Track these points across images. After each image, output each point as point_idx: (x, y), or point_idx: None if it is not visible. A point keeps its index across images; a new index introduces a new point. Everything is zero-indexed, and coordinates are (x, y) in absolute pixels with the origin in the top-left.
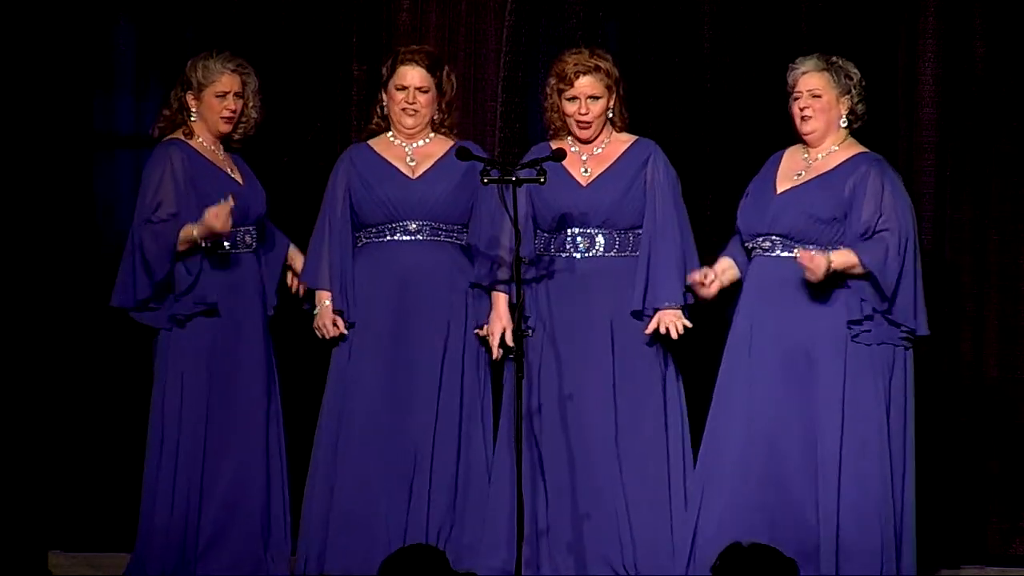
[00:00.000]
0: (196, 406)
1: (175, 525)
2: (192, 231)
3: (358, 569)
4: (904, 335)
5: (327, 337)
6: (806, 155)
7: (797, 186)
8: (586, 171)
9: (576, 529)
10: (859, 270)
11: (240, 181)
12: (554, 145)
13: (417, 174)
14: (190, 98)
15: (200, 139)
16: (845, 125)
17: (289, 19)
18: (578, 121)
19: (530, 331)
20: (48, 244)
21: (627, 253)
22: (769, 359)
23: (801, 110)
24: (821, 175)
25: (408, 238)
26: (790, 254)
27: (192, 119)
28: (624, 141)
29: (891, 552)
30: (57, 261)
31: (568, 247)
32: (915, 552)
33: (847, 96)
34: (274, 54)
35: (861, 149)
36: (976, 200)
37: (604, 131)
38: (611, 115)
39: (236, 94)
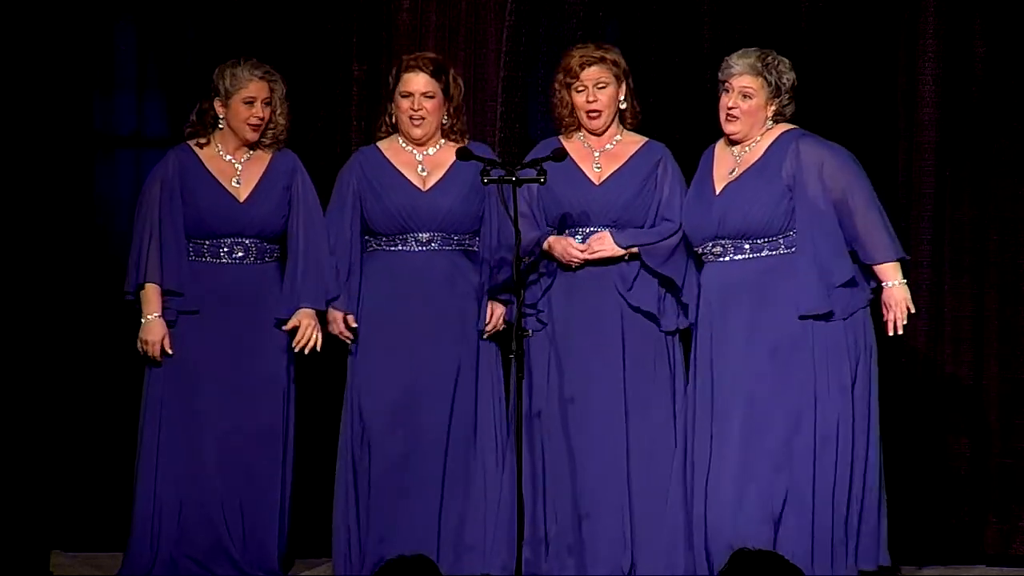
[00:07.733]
0: (200, 413)
1: (197, 526)
2: (149, 311)
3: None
4: (870, 290)
5: (340, 335)
6: (733, 150)
7: (731, 183)
8: (598, 167)
9: (577, 530)
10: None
11: (239, 197)
12: (563, 141)
13: (428, 185)
14: (218, 105)
15: (218, 148)
16: (770, 126)
17: (289, 19)
18: (588, 111)
19: (530, 332)
20: (48, 244)
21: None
22: (738, 366)
23: (729, 108)
24: (752, 165)
25: (420, 248)
26: (744, 256)
27: (220, 127)
28: (635, 141)
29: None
30: (57, 261)
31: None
32: (885, 542)
33: (777, 99)
34: (274, 54)
35: (783, 128)
36: (976, 200)
37: (615, 126)
38: (623, 106)
39: (264, 101)
